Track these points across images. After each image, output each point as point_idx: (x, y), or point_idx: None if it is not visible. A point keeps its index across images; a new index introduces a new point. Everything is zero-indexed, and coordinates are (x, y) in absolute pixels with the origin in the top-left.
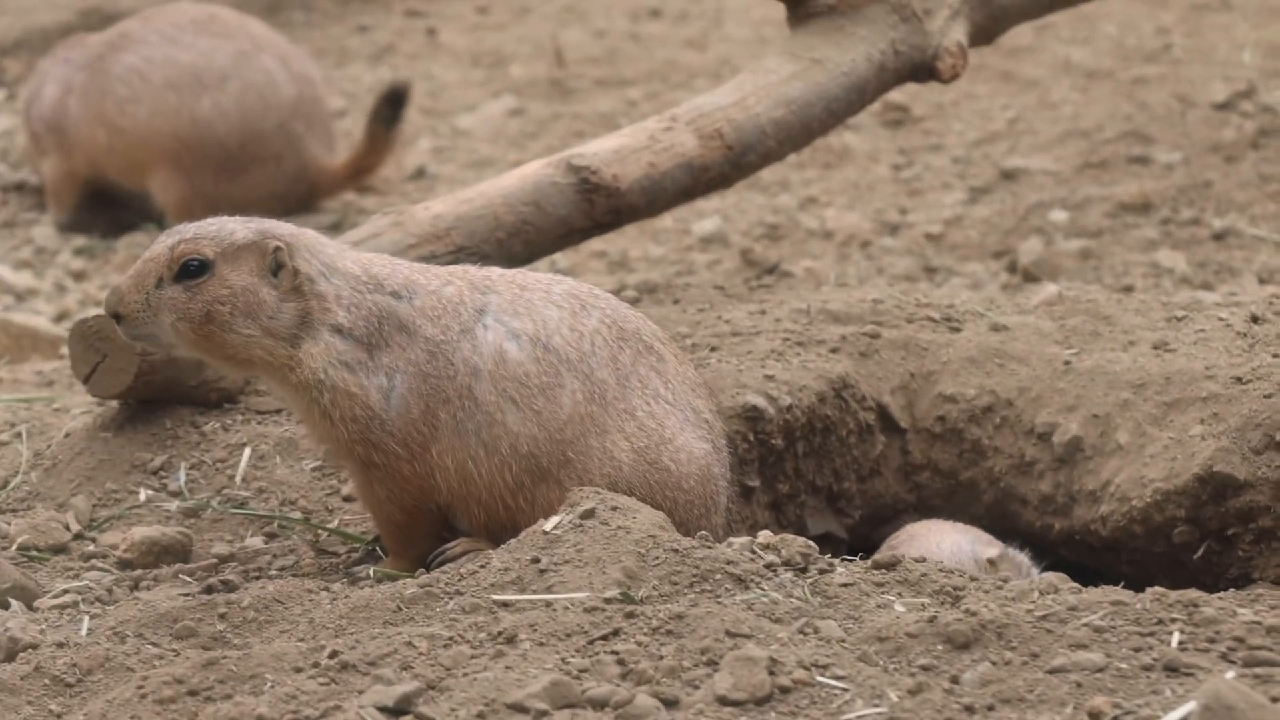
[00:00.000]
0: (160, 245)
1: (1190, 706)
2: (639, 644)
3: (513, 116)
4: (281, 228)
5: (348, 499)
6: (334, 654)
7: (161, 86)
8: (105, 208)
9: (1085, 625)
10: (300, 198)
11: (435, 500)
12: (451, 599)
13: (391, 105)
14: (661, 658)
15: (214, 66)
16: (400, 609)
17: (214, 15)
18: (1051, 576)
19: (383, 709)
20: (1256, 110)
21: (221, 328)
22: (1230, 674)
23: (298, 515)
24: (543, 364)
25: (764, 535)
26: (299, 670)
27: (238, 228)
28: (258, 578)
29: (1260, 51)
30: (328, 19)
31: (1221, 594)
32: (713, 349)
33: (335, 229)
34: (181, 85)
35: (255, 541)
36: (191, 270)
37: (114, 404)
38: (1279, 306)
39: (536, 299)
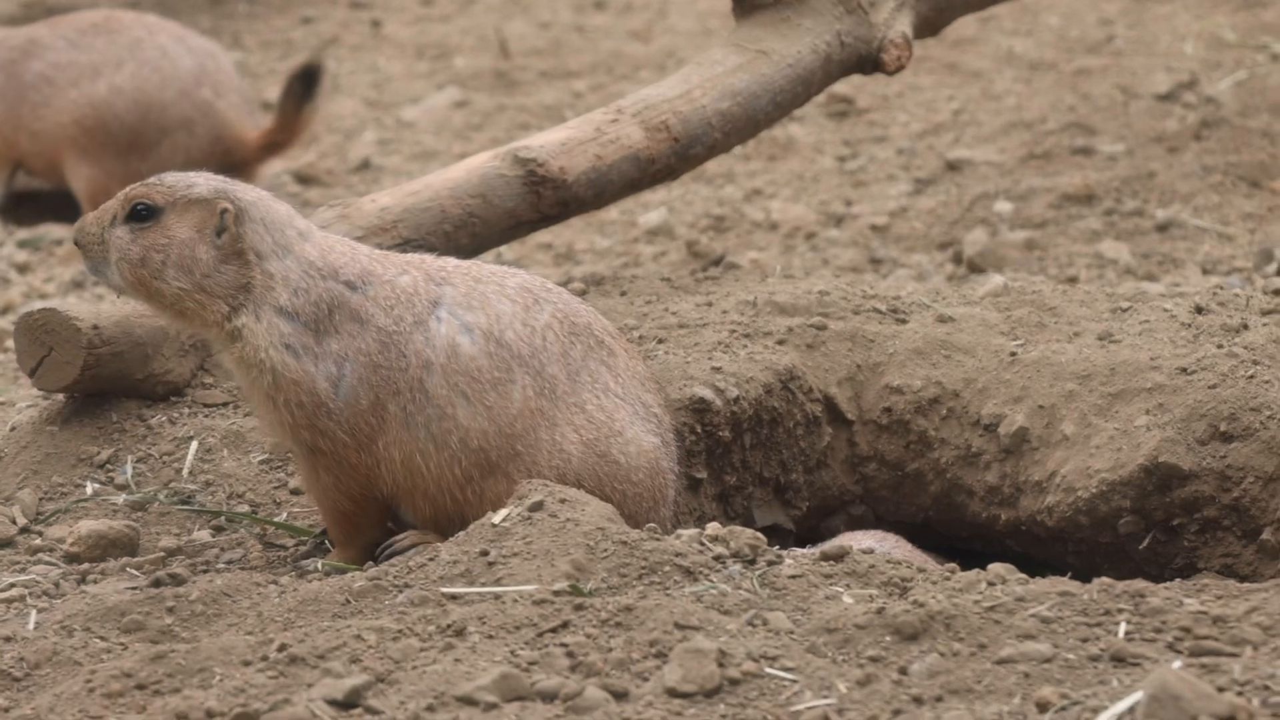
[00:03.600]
0: (130, 186)
1: (1137, 696)
2: (588, 636)
3: (458, 108)
4: (247, 194)
5: (295, 492)
6: (283, 647)
7: (65, 86)
8: (48, 201)
9: (1033, 616)
10: (223, 168)
11: (381, 490)
12: (400, 592)
13: (305, 82)
14: (611, 650)
15: (109, 58)
16: (349, 602)
17: (110, 16)
18: (999, 567)
19: (332, 702)
20: (1199, 101)
21: (153, 274)
22: (1177, 664)
23: (245, 509)
24: (495, 359)
25: (712, 527)
26: (248, 664)
27: (200, 182)
28: (205, 571)
29: (1202, 43)
30: (271, 11)
31: (1167, 584)
32: (660, 341)
33: None
34: (79, 79)
35: (203, 535)
36: (139, 214)
37: (60, 397)
38: (1222, 297)
39: (490, 292)
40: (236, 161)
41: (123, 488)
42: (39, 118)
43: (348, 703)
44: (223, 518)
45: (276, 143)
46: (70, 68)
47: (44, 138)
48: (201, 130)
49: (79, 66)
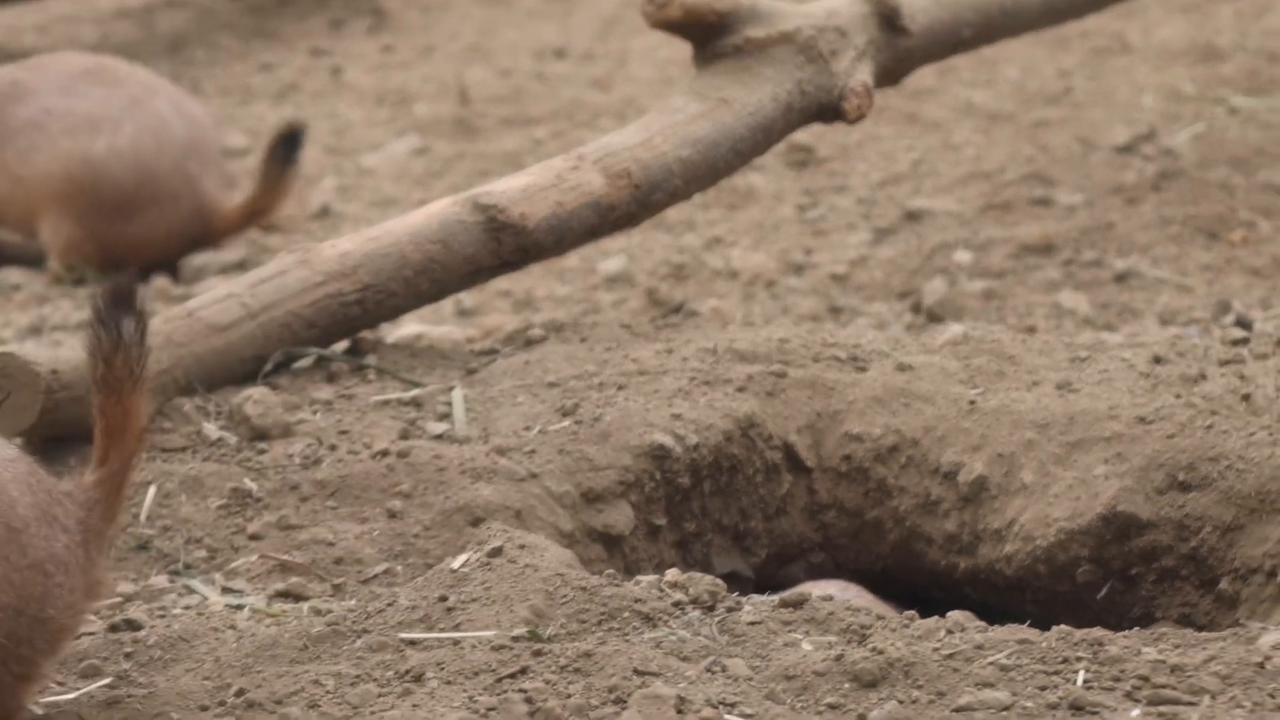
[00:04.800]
0: None
1: None
2: (547, 682)
3: (418, 155)
4: None
5: (254, 537)
6: (240, 692)
7: (58, 134)
8: None
9: (991, 664)
10: (197, 237)
11: None
12: (359, 637)
13: (287, 146)
14: (569, 696)
15: (109, 113)
16: (307, 647)
17: (103, 65)
18: (958, 615)
19: None
20: (1157, 153)
21: None
22: (1135, 712)
23: (203, 554)
24: None
25: (671, 573)
26: (205, 709)
27: None
28: (162, 616)
29: (1161, 95)
30: (231, 57)
31: (1126, 633)
32: (620, 388)
33: (241, 266)
34: (76, 131)
35: (160, 580)
36: None
37: (17, 441)
38: (1181, 347)
39: None
40: (216, 233)
41: None
42: (26, 163)
43: None
44: (181, 562)
45: (258, 210)
46: (65, 116)
47: (29, 185)
48: (185, 204)
49: (74, 116)
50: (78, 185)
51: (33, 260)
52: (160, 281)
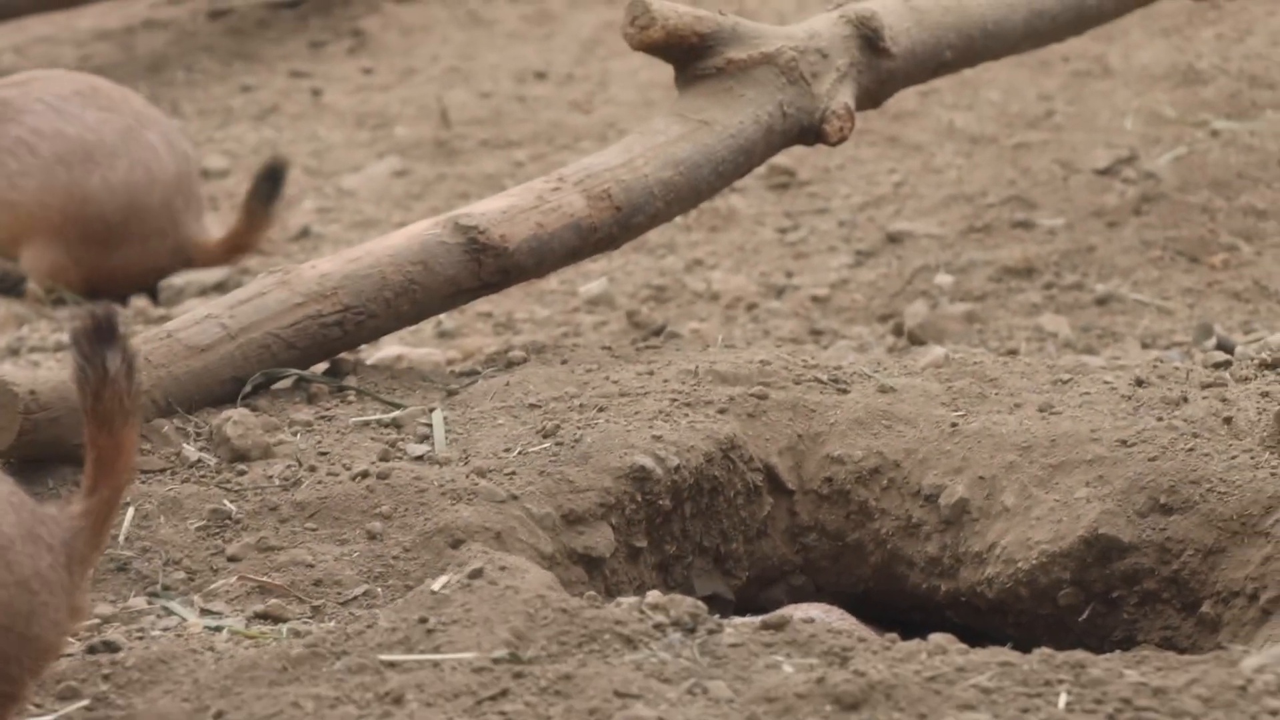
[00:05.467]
0: None
1: None
2: (527, 704)
3: (398, 177)
4: None
5: (233, 559)
6: (219, 714)
7: (51, 160)
8: None
9: (973, 686)
10: (178, 269)
11: None
12: (338, 659)
13: (270, 181)
14: (550, 718)
15: (104, 142)
16: (286, 669)
17: (96, 87)
18: (939, 637)
19: None
20: (1139, 177)
21: None
22: None
23: (182, 576)
24: None
25: (652, 595)
26: None
27: None
28: (141, 638)
29: (1141, 118)
30: (210, 78)
31: (1108, 655)
32: (601, 409)
33: (220, 288)
34: (71, 160)
35: (139, 601)
36: None
37: None
38: (1162, 370)
39: None
40: (196, 265)
41: None
42: (16, 188)
43: None
44: (159, 584)
45: (239, 246)
46: (57, 139)
47: (19, 210)
48: (169, 239)
49: (67, 140)
50: (69, 217)
51: (10, 289)
52: (139, 302)
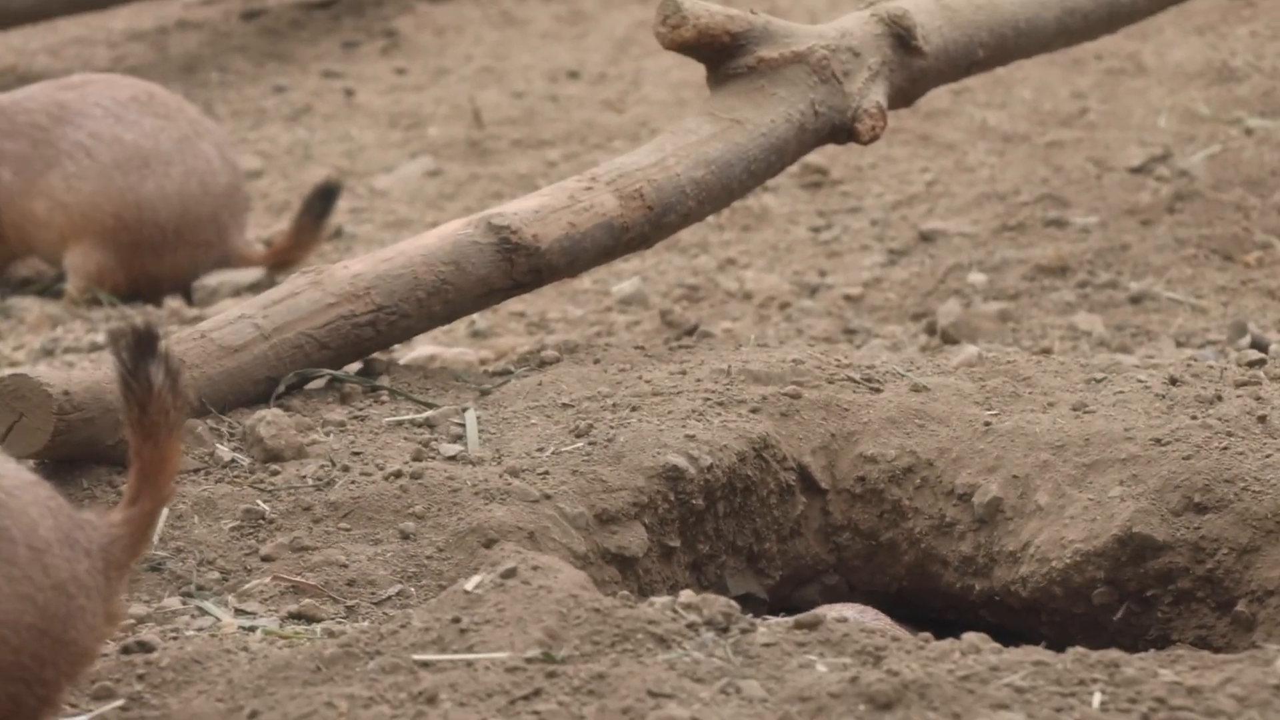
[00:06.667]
0: None
1: None
2: (560, 704)
3: (430, 177)
4: None
5: (267, 559)
6: (253, 714)
7: (109, 165)
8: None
9: (1007, 685)
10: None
11: None
12: (372, 659)
13: (323, 199)
14: (583, 718)
15: (160, 150)
16: (320, 669)
17: (152, 94)
18: (973, 636)
19: None
20: (1172, 174)
21: None
22: None
23: (216, 576)
24: None
25: (685, 595)
26: None
27: None
28: (175, 638)
29: (1175, 116)
30: (243, 79)
31: (1142, 655)
32: (634, 409)
33: (254, 288)
34: (128, 166)
35: (173, 601)
36: None
37: (30, 463)
38: (1196, 369)
39: None
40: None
41: None
42: (72, 190)
43: None
44: (193, 584)
45: (287, 260)
46: (114, 144)
47: (72, 212)
48: (215, 252)
49: (124, 146)
50: (122, 223)
51: (45, 290)
52: (173, 303)
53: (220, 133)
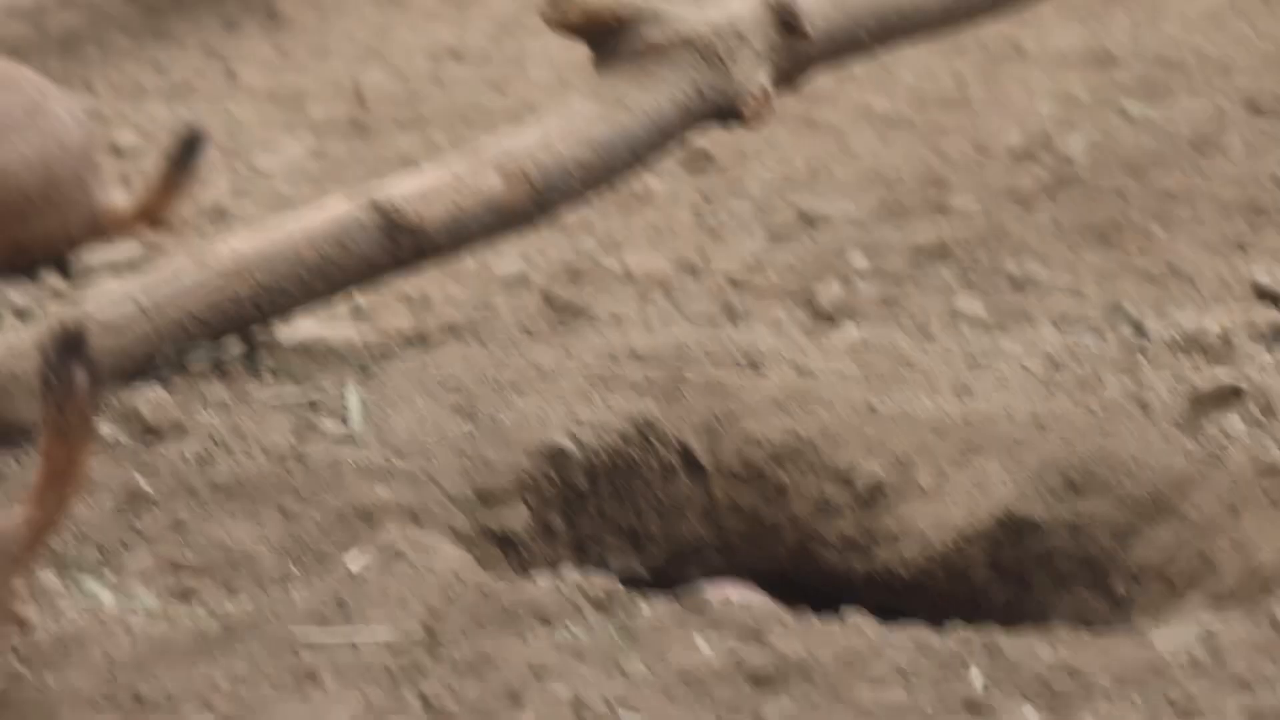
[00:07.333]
0: None
1: None
2: (443, 682)
3: (313, 157)
4: None
5: (148, 538)
6: (135, 693)
7: None
8: None
9: (889, 664)
10: (89, 238)
11: None
12: (254, 638)
13: (187, 150)
14: (467, 696)
15: (13, 119)
16: (201, 647)
17: None
18: (855, 616)
19: None
20: (1053, 159)
21: None
22: (1031, 713)
23: (94, 553)
24: None
25: (569, 574)
26: (97, 709)
27: None
28: (54, 617)
29: (1056, 101)
30: (124, 56)
31: (1023, 634)
32: (517, 389)
33: (133, 266)
34: None
35: (51, 579)
36: None
37: None
38: (1076, 352)
39: None
40: (107, 234)
41: None
42: None
43: None
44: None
45: (150, 213)
46: None
47: None
48: (82, 208)
49: None
50: None
51: None
52: (51, 280)
53: (66, 94)
